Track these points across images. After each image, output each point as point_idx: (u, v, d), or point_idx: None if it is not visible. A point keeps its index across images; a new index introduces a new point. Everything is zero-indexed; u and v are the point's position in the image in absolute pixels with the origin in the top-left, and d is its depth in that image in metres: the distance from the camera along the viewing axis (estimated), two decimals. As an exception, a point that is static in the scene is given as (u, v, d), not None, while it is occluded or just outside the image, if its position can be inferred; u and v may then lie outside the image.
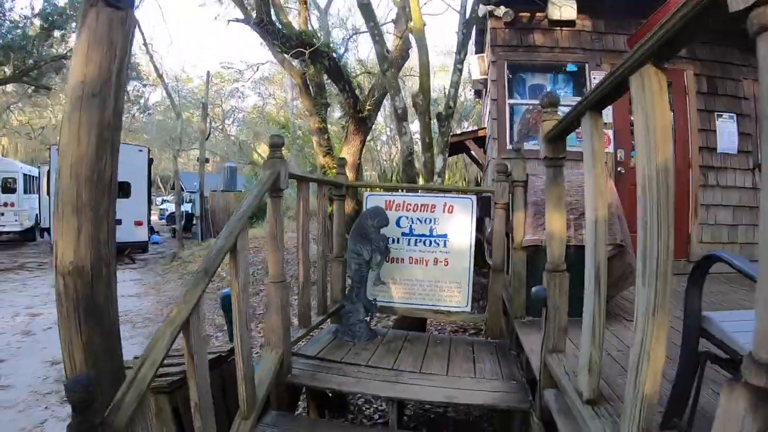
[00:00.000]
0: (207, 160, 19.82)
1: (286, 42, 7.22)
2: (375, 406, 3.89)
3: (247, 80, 31.24)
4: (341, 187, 4.24)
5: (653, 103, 1.31)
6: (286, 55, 7.33)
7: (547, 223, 2.32)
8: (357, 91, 8.21)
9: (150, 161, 14.35)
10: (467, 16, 6.45)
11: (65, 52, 17.26)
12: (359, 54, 27.45)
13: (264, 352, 2.83)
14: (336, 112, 15.52)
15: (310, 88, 8.77)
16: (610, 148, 6.49)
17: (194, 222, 20.90)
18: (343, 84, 7.56)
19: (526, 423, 2.61)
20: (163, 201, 34.27)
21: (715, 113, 6.81)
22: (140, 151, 14.16)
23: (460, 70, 6.50)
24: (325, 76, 8.95)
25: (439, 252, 4.01)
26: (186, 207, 23.97)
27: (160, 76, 17.85)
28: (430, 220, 4.03)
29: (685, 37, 1.23)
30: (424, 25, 6.13)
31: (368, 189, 5.11)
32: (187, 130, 36.18)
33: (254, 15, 7.31)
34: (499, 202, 3.81)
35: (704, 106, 6.79)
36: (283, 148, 2.93)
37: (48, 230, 15.00)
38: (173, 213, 23.96)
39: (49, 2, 16.01)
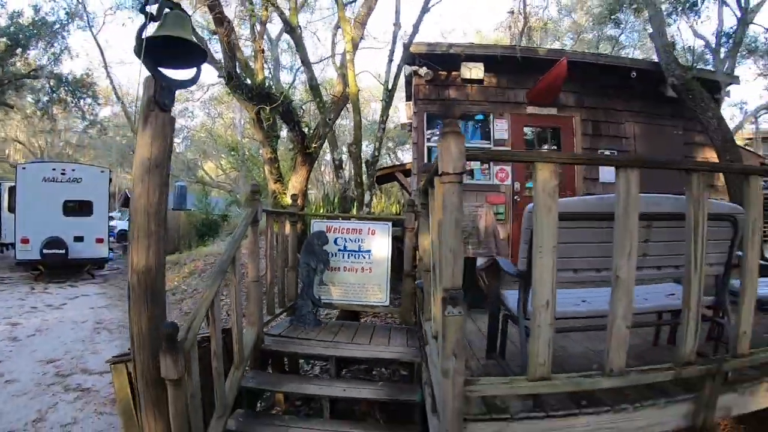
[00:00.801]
0: None
1: (249, 93, 8.67)
2: (319, 367, 5.31)
3: (197, 100, 31.83)
4: (295, 215, 5.68)
5: (436, 201, 2.72)
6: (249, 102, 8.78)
7: (420, 242, 3.79)
8: (306, 129, 9.64)
9: (110, 181, 15.21)
10: (389, 86, 8.06)
11: (28, 71, 18.00)
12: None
13: (246, 328, 4.19)
14: (286, 141, 16.82)
15: (263, 122, 10.14)
16: (508, 182, 8.12)
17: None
18: (293, 125, 8.96)
19: (420, 368, 4.07)
20: (110, 218, 34.12)
21: (599, 150, 8.56)
22: (102, 172, 15.02)
23: (384, 129, 8.11)
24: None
25: (365, 263, 5.43)
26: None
27: (119, 98, 18.70)
28: (359, 240, 5.44)
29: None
30: (358, 90, 7.70)
31: (314, 216, 6.55)
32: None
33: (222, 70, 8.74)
34: (408, 227, 5.31)
35: (589, 144, 8.53)
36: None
37: (10, 245, 15.50)
38: (123, 230, 24.21)
39: (13, 21, 16.79)
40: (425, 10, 8.43)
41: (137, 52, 3.06)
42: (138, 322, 3.27)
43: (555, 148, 8.54)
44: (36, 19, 17.43)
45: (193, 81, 3.44)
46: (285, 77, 17.57)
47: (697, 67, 9.16)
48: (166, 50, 3.14)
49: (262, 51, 10.06)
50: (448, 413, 2.32)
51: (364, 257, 5.39)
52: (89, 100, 20.85)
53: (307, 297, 5.16)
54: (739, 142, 22.53)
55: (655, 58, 8.96)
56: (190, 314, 3.10)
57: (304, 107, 11.76)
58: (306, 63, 9.29)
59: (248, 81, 9.26)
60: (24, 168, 14.10)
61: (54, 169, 13.98)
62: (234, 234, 3.89)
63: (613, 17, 12.47)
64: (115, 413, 4.85)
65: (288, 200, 7.21)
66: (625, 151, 8.67)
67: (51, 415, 5.15)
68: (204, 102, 31.15)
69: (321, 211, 10.09)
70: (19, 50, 17.09)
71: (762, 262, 3.03)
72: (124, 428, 4.12)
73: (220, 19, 8.34)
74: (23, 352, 7.29)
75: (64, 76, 19.19)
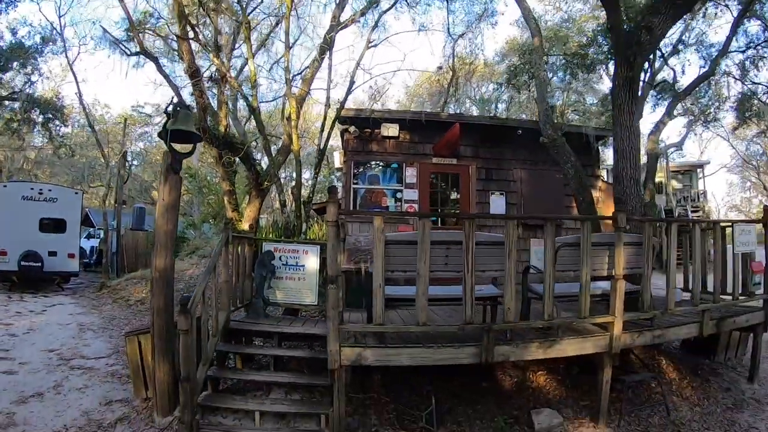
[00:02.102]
0: (124, 202, 21.81)
1: (216, 141, 10.94)
2: (267, 343, 7.46)
3: (156, 124, 33.15)
4: (252, 239, 7.90)
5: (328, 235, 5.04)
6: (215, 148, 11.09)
7: (329, 261, 6.03)
8: (259, 169, 11.98)
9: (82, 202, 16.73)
10: (322, 145, 10.51)
11: (7, 93, 19.53)
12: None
13: (219, 312, 6.34)
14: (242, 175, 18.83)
15: (225, 162, 12.37)
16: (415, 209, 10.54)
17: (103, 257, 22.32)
18: (250, 166, 11.22)
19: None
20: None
21: (489, 191, 11.05)
22: (76, 194, 16.66)
23: (316, 177, 10.56)
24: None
25: (300, 274, 7.53)
26: (93, 243, 25.22)
27: (91, 125, 20.31)
28: (296, 257, 7.56)
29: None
30: (300, 147, 10.13)
31: (265, 240, 8.74)
32: (95, 167, 37.65)
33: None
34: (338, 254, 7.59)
35: (482, 187, 11.00)
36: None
37: None
38: (82, 247, 25.18)
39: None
40: (349, 91, 11.19)
41: (163, 137, 5.33)
42: (158, 300, 5.46)
43: (455, 190, 11.04)
44: (13, 42, 19.06)
45: (191, 153, 5.72)
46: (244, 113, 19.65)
47: (570, 123, 11.77)
48: (177, 134, 5.41)
49: (226, 103, 12.35)
50: (330, 341, 4.59)
51: (300, 270, 7.51)
52: (57, 122, 22.33)
53: (260, 296, 7.30)
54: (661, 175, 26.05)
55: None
56: (193, 295, 5.27)
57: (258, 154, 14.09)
58: (262, 131, 11.53)
59: (216, 132, 11.51)
60: (5, 186, 15.67)
61: (32, 189, 15.52)
62: (214, 251, 6.08)
63: (512, 82, 15.24)
64: (116, 383, 6.88)
65: (243, 226, 9.49)
66: (513, 192, 11.18)
67: (65, 383, 6.87)
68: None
69: (271, 235, 12.34)
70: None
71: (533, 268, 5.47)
72: (133, 379, 6.23)
73: (200, 91, 10.63)
74: (24, 344, 8.63)
75: (37, 98, 20.74)
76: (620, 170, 7.83)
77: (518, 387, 6.59)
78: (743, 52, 16.64)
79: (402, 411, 5.69)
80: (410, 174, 10.62)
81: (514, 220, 5.01)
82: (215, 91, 13.21)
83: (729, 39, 15.05)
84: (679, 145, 26.74)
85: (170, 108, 5.55)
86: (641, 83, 14.58)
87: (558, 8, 21.40)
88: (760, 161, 44.22)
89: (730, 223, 7.57)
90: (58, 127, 23.19)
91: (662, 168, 30.92)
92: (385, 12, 13.97)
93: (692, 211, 27.40)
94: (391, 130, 10.46)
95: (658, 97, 19.25)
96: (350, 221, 9.32)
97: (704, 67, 15.60)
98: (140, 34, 13.35)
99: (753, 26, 16.55)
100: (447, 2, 15.33)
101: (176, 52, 12.84)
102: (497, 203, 10.98)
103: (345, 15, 13.19)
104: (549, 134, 9.99)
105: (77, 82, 23.77)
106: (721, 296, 7.14)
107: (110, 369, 7.47)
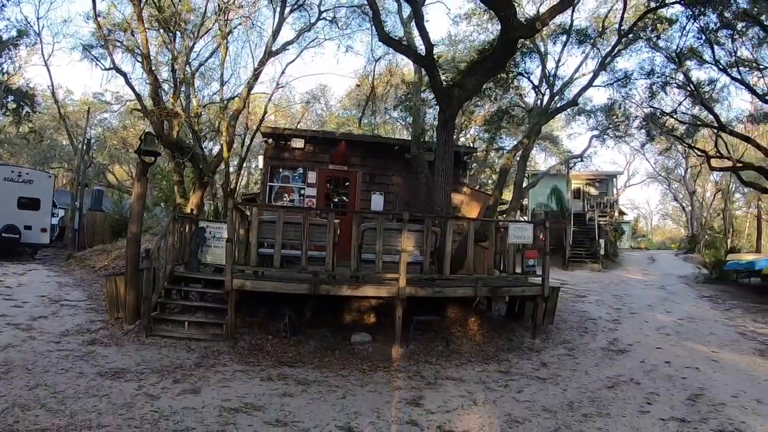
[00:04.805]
0: (86, 185, 24.28)
1: (170, 145, 14.59)
2: (196, 285, 11.16)
3: (116, 111, 35.50)
4: (192, 219, 11.63)
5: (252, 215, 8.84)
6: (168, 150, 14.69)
7: (228, 229, 9.78)
8: (202, 167, 15.67)
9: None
10: (243, 155, 14.27)
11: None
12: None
13: (167, 265, 10.02)
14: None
15: (177, 159, 16.00)
16: (313, 206, 14.34)
17: (66, 234, 24.32)
18: (195, 165, 14.89)
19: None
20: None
21: (371, 192, 14.89)
22: (49, 177, 19.82)
23: (238, 176, 14.29)
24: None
25: (222, 243, 11.06)
26: (54, 221, 27.72)
27: (63, 117, 23.14)
28: (220, 232, 11.10)
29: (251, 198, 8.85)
30: (229, 155, 13.85)
31: (201, 220, 12.43)
32: (56, 149, 39.81)
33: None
34: (243, 229, 11.34)
35: (366, 188, 14.68)
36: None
37: None
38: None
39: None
40: (264, 115, 14.91)
41: (138, 153, 9.04)
42: (130, 252, 9.17)
43: (345, 192, 14.88)
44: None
45: (154, 163, 9.45)
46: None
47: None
48: (147, 151, 9.12)
49: (175, 114, 15.99)
50: (227, 274, 8.36)
51: (222, 240, 11.12)
52: (27, 109, 24.90)
53: (195, 258, 11.01)
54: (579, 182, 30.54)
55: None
56: (152, 249, 8.99)
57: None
58: (200, 145, 15.18)
59: (170, 138, 15.15)
60: (-12, 168, 18.59)
61: (12, 172, 18.36)
62: (165, 224, 9.82)
63: (401, 107, 19.25)
64: (95, 314, 10.18)
65: (187, 210, 13.16)
66: (390, 193, 14.79)
67: (60, 312, 10.12)
68: (121, 113, 35.07)
69: (210, 217, 16.03)
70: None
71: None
72: (109, 306, 9.83)
73: (163, 108, 14.23)
74: (20, 292, 11.46)
75: (15, 89, 23.29)
76: (436, 183, 11.47)
77: (350, 318, 10.08)
78: (618, 81, 20.85)
79: (272, 326, 9.26)
80: (311, 177, 14.36)
81: (332, 212, 8.89)
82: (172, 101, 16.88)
83: (591, 79, 18.94)
84: (580, 157, 30.50)
85: (142, 136, 9.28)
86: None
87: (485, 29, 24.41)
88: (672, 174, 48.71)
89: (507, 223, 11.24)
90: (28, 114, 25.60)
91: (579, 176, 35.61)
92: (290, 62, 18.01)
93: (600, 216, 30.95)
94: (298, 143, 14.19)
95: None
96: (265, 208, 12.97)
97: (564, 99, 19.37)
98: (111, 46, 16.86)
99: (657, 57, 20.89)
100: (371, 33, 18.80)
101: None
102: (377, 201, 14.54)
103: (284, 37, 16.97)
104: (414, 152, 13.42)
105: (51, 78, 26.54)
106: (502, 272, 10.70)
107: (89, 307, 10.82)
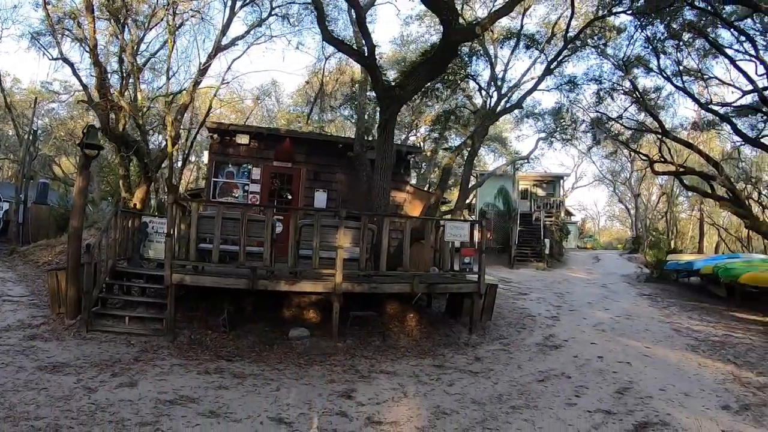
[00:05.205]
0: (32, 177, 23.90)
1: (116, 140, 14.65)
2: (138, 280, 11.36)
3: (64, 102, 34.77)
4: (136, 213, 11.81)
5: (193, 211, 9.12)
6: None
7: (168, 224, 10.05)
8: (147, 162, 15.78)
9: None
10: (187, 152, 14.47)
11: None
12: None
13: (109, 259, 10.21)
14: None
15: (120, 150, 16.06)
16: (257, 202, 14.58)
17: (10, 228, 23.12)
18: (140, 159, 14.99)
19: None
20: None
21: (314, 189, 15.16)
22: None
23: (182, 172, 14.47)
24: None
25: (162, 237, 11.48)
26: None
27: (8, 105, 22.70)
28: (163, 227, 11.36)
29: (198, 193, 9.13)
30: (173, 151, 14.02)
31: (145, 215, 12.60)
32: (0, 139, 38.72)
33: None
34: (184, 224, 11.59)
35: (310, 185, 14.90)
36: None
37: None
38: None
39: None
40: (209, 112, 15.14)
41: (81, 147, 9.21)
42: (72, 247, 9.35)
43: (289, 187, 15.15)
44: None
45: (97, 156, 9.62)
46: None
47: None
48: (89, 144, 9.30)
49: (121, 107, 16.02)
50: (166, 269, 8.66)
51: (162, 234, 11.34)
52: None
53: (138, 253, 11.22)
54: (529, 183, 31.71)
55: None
56: (94, 243, 9.19)
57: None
58: (146, 141, 15.29)
59: (115, 131, 15.20)
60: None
61: None
62: (107, 219, 10.01)
63: (349, 104, 19.69)
64: (37, 309, 10.22)
65: (131, 204, 13.31)
66: (334, 190, 14.96)
67: (2, 307, 10.14)
68: (69, 104, 34.21)
69: (156, 213, 16.14)
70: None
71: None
72: (50, 301, 9.94)
73: (106, 102, 14.28)
74: None
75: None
76: (375, 181, 11.86)
77: (289, 313, 10.21)
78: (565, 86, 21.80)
79: (212, 321, 9.45)
80: (256, 173, 14.54)
81: (271, 208, 9.29)
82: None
83: (536, 83, 19.60)
84: (526, 158, 31.44)
85: (86, 129, 9.46)
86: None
87: (438, 30, 24.82)
88: (618, 177, 50.85)
89: (443, 222, 11.39)
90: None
91: (526, 177, 36.72)
92: (236, 59, 18.28)
93: (546, 216, 32.00)
94: (243, 139, 14.33)
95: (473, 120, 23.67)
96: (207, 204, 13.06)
97: (510, 102, 20.06)
98: (60, 35, 16.78)
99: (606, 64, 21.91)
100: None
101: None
102: (320, 198, 14.77)
103: (235, 32, 17.14)
104: (356, 150, 13.68)
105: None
106: (438, 270, 11.06)
107: (31, 302, 10.83)
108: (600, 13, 17.90)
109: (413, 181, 33.92)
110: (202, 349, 8.49)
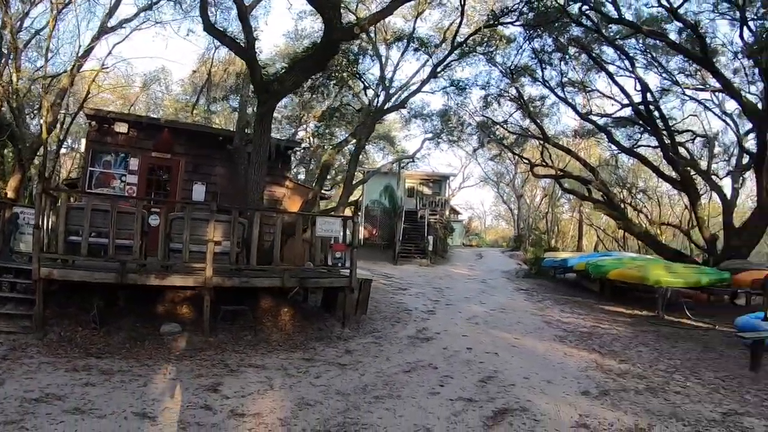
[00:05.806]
0: None
1: None
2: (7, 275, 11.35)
3: None
4: (11, 205, 11.72)
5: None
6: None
7: (36, 217, 10.19)
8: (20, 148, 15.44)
9: None
10: (62, 138, 14.39)
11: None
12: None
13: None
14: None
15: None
16: (134, 194, 14.61)
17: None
18: (15, 145, 14.64)
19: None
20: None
21: (193, 182, 14.88)
22: None
23: (56, 160, 14.36)
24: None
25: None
26: None
27: None
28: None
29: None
30: (47, 138, 13.90)
31: (18, 207, 12.44)
32: None
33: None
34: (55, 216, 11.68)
35: (188, 177, 14.74)
36: None
37: None
38: None
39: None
40: (86, 97, 14.96)
41: None
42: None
43: (167, 178, 15.02)
44: None
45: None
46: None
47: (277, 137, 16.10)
48: None
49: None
50: (33, 263, 8.82)
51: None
52: None
53: (7, 245, 11.07)
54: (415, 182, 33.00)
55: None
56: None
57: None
58: (21, 129, 14.98)
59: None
60: None
61: None
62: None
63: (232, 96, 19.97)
64: None
65: (3, 193, 13.10)
66: (213, 183, 14.94)
67: None
68: None
69: (30, 203, 15.78)
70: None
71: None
72: None
73: None
74: None
75: None
76: (249, 175, 12.00)
77: (162, 308, 9.79)
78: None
79: (83, 317, 9.14)
80: (133, 163, 14.38)
81: (144, 201, 9.65)
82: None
83: (421, 85, 20.64)
84: (412, 157, 32.76)
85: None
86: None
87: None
88: (503, 178, 54.00)
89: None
90: None
91: (413, 175, 38.20)
92: (118, 43, 18.16)
93: (431, 215, 33.22)
94: (122, 127, 14.11)
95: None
96: (82, 195, 12.84)
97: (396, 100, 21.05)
98: None
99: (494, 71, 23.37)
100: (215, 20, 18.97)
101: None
102: (199, 191, 14.69)
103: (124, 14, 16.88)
104: (236, 143, 13.60)
105: None
106: (313, 264, 11.26)
107: None
108: (490, 21, 18.93)
109: (301, 177, 34.72)
110: (71, 347, 8.38)
